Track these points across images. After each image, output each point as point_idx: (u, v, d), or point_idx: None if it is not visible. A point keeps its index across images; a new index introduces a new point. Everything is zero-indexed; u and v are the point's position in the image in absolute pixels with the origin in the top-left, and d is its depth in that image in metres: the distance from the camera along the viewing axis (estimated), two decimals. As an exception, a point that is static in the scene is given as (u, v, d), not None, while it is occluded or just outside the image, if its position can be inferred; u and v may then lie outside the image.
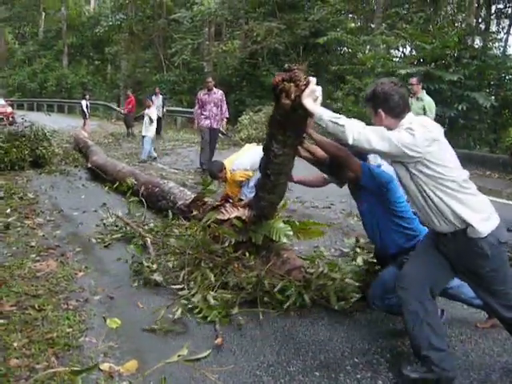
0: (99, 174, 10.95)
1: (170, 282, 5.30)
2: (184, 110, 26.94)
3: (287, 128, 3.91)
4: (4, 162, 12.30)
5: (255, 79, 27.32)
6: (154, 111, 15.46)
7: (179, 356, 2.43)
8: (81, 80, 45.68)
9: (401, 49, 23.98)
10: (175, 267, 5.52)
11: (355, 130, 3.22)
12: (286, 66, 3.63)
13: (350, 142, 3.23)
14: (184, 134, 22.57)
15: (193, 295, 4.85)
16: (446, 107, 15.87)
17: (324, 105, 3.42)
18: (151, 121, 15.15)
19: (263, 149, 4.33)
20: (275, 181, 4.48)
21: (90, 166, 12.13)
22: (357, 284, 4.70)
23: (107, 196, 8.96)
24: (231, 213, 5.47)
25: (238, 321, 4.50)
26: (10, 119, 19.09)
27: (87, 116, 22.15)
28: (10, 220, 7.79)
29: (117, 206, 7.71)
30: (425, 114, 9.79)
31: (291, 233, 5.15)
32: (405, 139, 3.19)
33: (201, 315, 4.61)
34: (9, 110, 26.27)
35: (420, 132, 3.21)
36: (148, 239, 6.28)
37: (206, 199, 6.67)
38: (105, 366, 3.75)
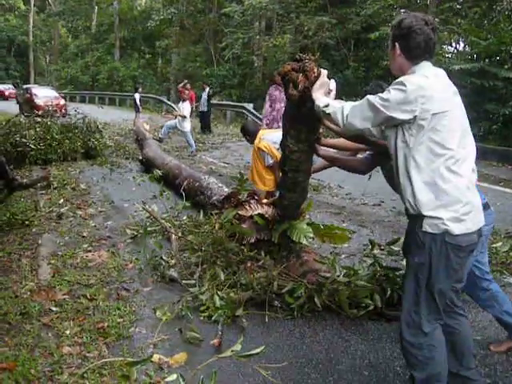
0: (150, 166, 11.04)
1: (185, 278, 5.27)
2: (234, 103, 26.94)
3: (299, 122, 3.83)
4: (57, 153, 12.52)
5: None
6: (187, 106, 15.63)
7: (233, 351, 2.43)
8: (132, 73, 46.19)
9: (454, 44, 23.56)
10: (193, 263, 5.48)
11: (344, 113, 2.95)
12: (297, 56, 3.53)
13: (341, 126, 3.01)
14: (234, 129, 22.59)
15: (202, 293, 4.81)
16: (500, 104, 15.53)
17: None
18: (183, 117, 15.32)
19: (280, 144, 4.26)
20: (293, 178, 4.40)
21: (140, 158, 12.27)
22: (369, 287, 4.53)
23: (158, 189, 9.00)
24: (255, 210, 5.43)
25: (242, 323, 4.41)
26: (63, 111, 19.41)
27: (140, 109, 22.36)
28: (62, 210, 7.95)
29: (164, 199, 7.76)
30: None
31: (311, 235, 5.07)
32: (394, 100, 2.80)
33: (206, 314, 4.57)
34: (62, 102, 26.77)
35: (414, 86, 2.77)
36: (173, 234, 6.27)
37: (239, 196, 6.61)
38: (154, 358, 3.78)
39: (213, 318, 4.47)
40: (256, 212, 5.38)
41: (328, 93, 3.34)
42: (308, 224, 5.22)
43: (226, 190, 7.57)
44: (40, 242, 6.53)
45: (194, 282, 5.06)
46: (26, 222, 7.23)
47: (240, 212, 5.53)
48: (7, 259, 5.95)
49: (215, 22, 36.61)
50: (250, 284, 4.75)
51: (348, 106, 2.99)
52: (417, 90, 2.77)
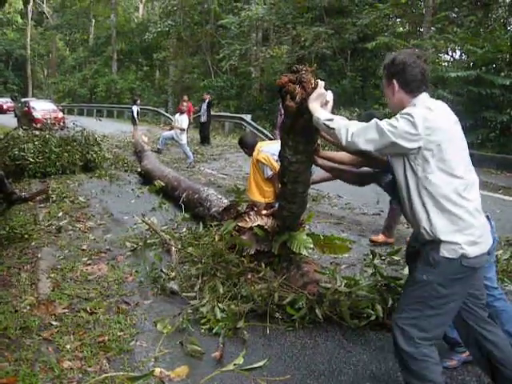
0: (149, 179, 11.03)
1: (185, 290, 5.25)
2: (232, 115, 26.99)
3: (296, 133, 3.80)
4: (56, 166, 12.48)
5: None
6: (185, 118, 15.81)
7: (235, 365, 2.41)
8: (129, 85, 46.30)
9: (450, 53, 23.64)
10: (193, 276, 5.45)
11: (349, 131, 2.96)
12: (294, 67, 3.52)
13: (344, 143, 3.00)
14: (232, 140, 22.60)
15: (202, 305, 4.78)
16: (497, 112, 15.56)
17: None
18: (182, 129, 15.52)
19: (279, 156, 4.25)
20: (293, 189, 4.38)
21: (139, 170, 12.27)
22: (370, 297, 4.52)
23: (157, 201, 9.02)
24: (254, 221, 5.41)
25: (243, 335, 4.37)
26: (62, 124, 19.42)
27: (136, 122, 22.39)
28: (62, 223, 7.93)
29: (163, 211, 7.77)
30: None
31: (311, 245, 5.04)
32: (402, 129, 2.84)
33: (207, 326, 4.53)
34: (60, 115, 26.78)
35: (420, 118, 2.83)
36: (172, 247, 6.25)
37: (238, 207, 6.58)
38: (156, 371, 3.76)
39: (214, 331, 4.44)
40: (255, 223, 5.36)
41: (325, 104, 3.34)
42: (308, 235, 5.20)
43: (225, 201, 7.56)
44: (39, 255, 6.50)
45: (194, 294, 5.04)
46: (26, 236, 7.20)
47: (239, 224, 5.51)
48: (6, 273, 5.92)
49: (212, 33, 36.72)
50: (251, 296, 4.72)
51: (353, 124, 3.01)
52: (423, 121, 2.83)
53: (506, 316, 3.75)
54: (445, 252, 2.91)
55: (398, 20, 28.58)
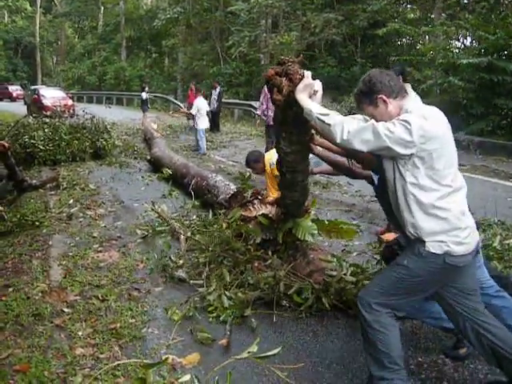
0: (159, 166, 11.03)
1: (193, 278, 5.25)
2: (241, 102, 26.93)
3: (288, 125, 3.76)
4: (66, 154, 12.53)
5: (312, 71, 26.69)
6: (201, 103, 15.74)
7: (249, 352, 2.41)
8: (139, 73, 46.26)
9: (461, 39, 23.44)
10: (201, 264, 5.44)
11: (344, 129, 2.97)
12: (280, 59, 3.45)
13: (338, 141, 3.01)
14: (241, 127, 22.55)
15: (210, 293, 4.78)
16: (509, 99, 15.43)
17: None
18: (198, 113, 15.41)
19: (275, 147, 4.22)
20: (292, 178, 4.35)
21: (149, 157, 12.28)
22: None
23: (167, 188, 9.02)
24: (258, 210, 5.40)
25: (251, 323, 4.38)
26: (71, 112, 19.41)
27: (147, 108, 22.39)
28: (72, 211, 7.96)
29: (173, 198, 7.77)
30: None
31: (316, 232, 5.01)
32: (398, 134, 2.88)
33: (214, 314, 4.54)
34: (70, 102, 26.74)
35: (416, 126, 2.87)
36: (181, 235, 6.25)
37: (245, 194, 6.54)
38: (165, 358, 3.76)
39: (221, 318, 4.45)
40: (260, 212, 5.35)
41: (314, 94, 3.29)
42: (313, 221, 5.16)
43: (233, 188, 7.53)
44: (51, 242, 6.54)
45: (201, 282, 5.05)
46: (37, 223, 7.23)
47: (244, 213, 5.50)
48: (18, 260, 5.96)
49: (221, 20, 36.54)
50: (258, 284, 4.73)
51: (350, 122, 3.01)
52: (418, 130, 2.87)
53: (506, 311, 3.70)
54: (430, 247, 3.00)
55: (408, 6, 28.40)
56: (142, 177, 10.98)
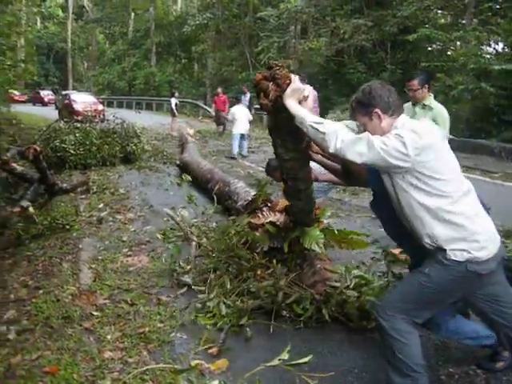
0: (187, 171, 11.05)
1: (198, 284, 5.20)
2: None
3: (280, 131, 3.69)
4: (96, 158, 12.60)
5: (341, 77, 27.07)
6: (237, 109, 16.03)
7: (280, 360, 2.40)
8: (168, 78, 46.57)
9: (493, 45, 23.20)
10: (207, 270, 5.39)
11: (338, 139, 2.95)
12: (269, 63, 3.39)
13: (332, 150, 2.98)
14: (270, 133, 22.50)
15: (210, 299, 4.73)
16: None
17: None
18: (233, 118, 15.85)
19: (274, 153, 4.16)
20: (294, 186, 4.28)
21: (177, 162, 12.33)
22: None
23: (195, 193, 9.04)
24: (267, 217, 5.29)
25: (246, 332, 4.29)
26: (102, 116, 19.60)
27: (176, 114, 22.50)
28: (102, 215, 8.02)
29: (200, 203, 7.77)
30: None
31: (322, 241, 4.86)
32: (393, 147, 2.87)
33: (212, 321, 4.48)
34: (100, 107, 26.96)
35: (409, 139, 2.87)
36: (193, 241, 6.19)
37: (259, 201, 6.41)
38: (196, 364, 3.76)
39: (217, 326, 4.39)
40: (268, 220, 5.25)
41: (304, 100, 3.25)
42: (322, 230, 5.05)
43: (253, 194, 7.49)
44: (81, 246, 6.59)
45: (204, 288, 5.01)
46: (67, 227, 7.30)
47: (252, 220, 5.41)
48: (49, 263, 6.03)
49: (251, 26, 36.70)
50: (258, 292, 4.65)
51: (344, 132, 3.00)
52: (411, 142, 2.86)
53: None
54: (452, 255, 2.93)
55: (439, 11, 28.15)
56: (171, 181, 11.01)
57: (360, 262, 5.77)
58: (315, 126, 3.03)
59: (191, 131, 15.34)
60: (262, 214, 5.39)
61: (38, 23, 64.26)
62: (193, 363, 3.74)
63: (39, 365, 3.78)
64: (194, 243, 6.13)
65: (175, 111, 22.36)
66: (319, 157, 4.06)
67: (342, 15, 27.08)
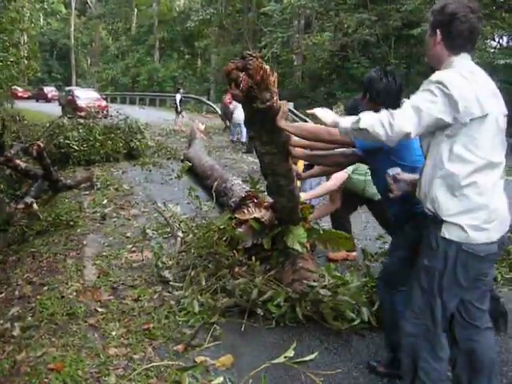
0: (191, 167, 11.04)
1: (178, 280, 5.16)
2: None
3: (254, 123, 3.66)
4: (100, 154, 12.59)
5: (345, 72, 27.05)
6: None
7: (285, 357, 2.38)
8: (171, 74, 46.58)
9: (497, 39, 23.12)
10: (187, 266, 5.32)
11: (385, 125, 2.65)
12: (243, 53, 3.29)
13: (385, 139, 2.69)
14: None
15: (186, 297, 4.69)
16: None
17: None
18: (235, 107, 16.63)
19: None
20: (274, 182, 4.25)
21: (182, 158, 12.33)
22: (352, 302, 4.25)
23: (198, 189, 9.01)
24: (252, 213, 5.23)
25: (215, 330, 4.21)
26: (105, 112, 19.59)
27: (180, 109, 22.51)
28: (106, 211, 8.02)
29: (195, 199, 7.78)
30: None
31: (305, 241, 4.85)
32: (440, 101, 2.60)
33: (185, 318, 4.42)
34: (103, 103, 27.01)
35: (456, 88, 2.59)
36: (178, 237, 6.19)
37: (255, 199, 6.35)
38: (200, 360, 3.74)
39: (189, 323, 4.34)
40: (252, 216, 5.19)
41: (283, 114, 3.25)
42: (307, 230, 5.01)
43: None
44: (85, 242, 6.58)
45: (181, 284, 4.98)
46: (71, 223, 7.29)
47: (237, 215, 5.35)
48: (53, 260, 6.03)
49: (254, 21, 36.66)
50: (234, 290, 4.58)
51: (384, 115, 2.70)
52: (459, 93, 2.59)
53: None
54: (446, 233, 2.71)
55: (443, 6, 28.02)
56: (175, 177, 10.99)
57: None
58: (354, 126, 2.78)
59: (202, 127, 15.39)
60: (248, 210, 5.32)
61: (41, 20, 64.29)
62: (198, 360, 3.74)
63: (44, 361, 3.76)
64: (178, 239, 6.13)
65: (179, 107, 22.37)
66: (297, 151, 4.02)
67: (346, 10, 27.03)
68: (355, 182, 5.54)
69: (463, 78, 2.66)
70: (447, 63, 2.80)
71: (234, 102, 16.27)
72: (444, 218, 2.71)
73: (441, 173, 2.72)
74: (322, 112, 3.12)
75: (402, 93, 3.48)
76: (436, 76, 2.69)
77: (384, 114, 2.71)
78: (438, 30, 2.81)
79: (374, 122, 2.71)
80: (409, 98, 2.75)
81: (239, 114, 15.91)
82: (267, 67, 3.22)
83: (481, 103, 2.64)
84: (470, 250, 2.68)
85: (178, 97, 22.41)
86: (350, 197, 5.77)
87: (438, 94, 2.62)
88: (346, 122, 2.86)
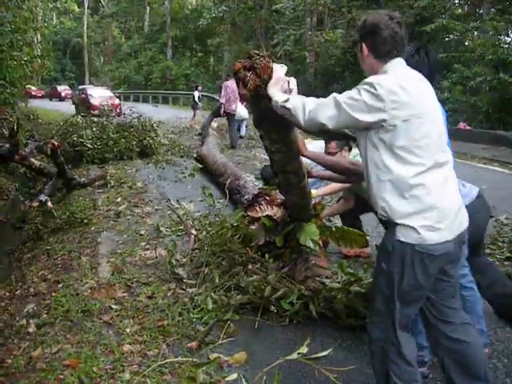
0: (205, 164, 11.06)
1: (192, 277, 5.16)
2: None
3: (262, 121, 3.63)
4: (113, 152, 12.65)
5: (358, 69, 26.63)
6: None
7: (299, 354, 2.38)
8: (184, 72, 46.64)
9: (511, 35, 22.96)
10: (202, 263, 5.31)
11: (306, 110, 2.74)
12: (250, 52, 3.25)
13: (302, 124, 2.77)
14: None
15: (199, 294, 4.70)
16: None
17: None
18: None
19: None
20: (285, 179, 4.23)
21: (195, 156, 12.36)
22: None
23: (212, 187, 9.03)
24: (264, 211, 5.19)
25: (229, 327, 4.22)
26: (118, 111, 19.67)
27: (198, 107, 22.59)
28: (120, 208, 8.05)
29: (215, 197, 7.78)
30: None
31: (317, 238, 4.78)
32: (362, 100, 2.62)
33: (199, 316, 4.41)
34: (116, 101, 27.04)
35: (384, 88, 2.59)
36: (192, 234, 6.17)
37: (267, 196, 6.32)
38: (214, 357, 3.75)
39: (202, 320, 4.34)
40: (265, 213, 5.16)
41: (289, 91, 3.11)
42: (319, 227, 4.97)
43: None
44: (99, 240, 6.62)
45: (194, 282, 4.99)
46: (85, 221, 7.34)
47: (250, 213, 5.33)
48: (68, 257, 6.07)
49: (266, 18, 36.60)
50: (247, 287, 4.57)
51: (311, 101, 2.79)
52: (387, 93, 2.59)
53: (468, 306, 3.54)
54: (400, 235, 2.68)
55: (456, 1, 27.91)
56: (189, 175, 11.01)
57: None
58: (283, 104, 2.85)
59: (215, 125, 15.42)
60: (260, 208, 5.28)
61: (54, 19, 64.63)
62: (211, 357, 3.75)
63: (59, 358, 3.80)
64: (192, 236, 6.12)
65: (198, 104, 22.48)
66: (309, 151, 4.02)
67: (358, 6, 26.92)
68: (363, 188, 5.54)
69: (396, 79, 2.67)
70: (381, 71, 2.82)
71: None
72: (397, 221, 2.68)
73: (388, 177, 2.69)
74: (273, 87, 3.07)
75: (435, 73, 3.40)
76: (369, 78, 2.73)
77: (311, 100, 2.79)
78: (363, 44, 2.87)
79: (298, 104, 2.80)
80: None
81: (240, 110, 16.31)
82: (275, 65, 3.18)
83: (415, 105, 2.64)
84: (425, 251, 2.66)
85: (197, 94, 22.46)
86: (362, 199, 5.77)
87: (363, 93, 2.64)
88: (279, 97, 2.92)
